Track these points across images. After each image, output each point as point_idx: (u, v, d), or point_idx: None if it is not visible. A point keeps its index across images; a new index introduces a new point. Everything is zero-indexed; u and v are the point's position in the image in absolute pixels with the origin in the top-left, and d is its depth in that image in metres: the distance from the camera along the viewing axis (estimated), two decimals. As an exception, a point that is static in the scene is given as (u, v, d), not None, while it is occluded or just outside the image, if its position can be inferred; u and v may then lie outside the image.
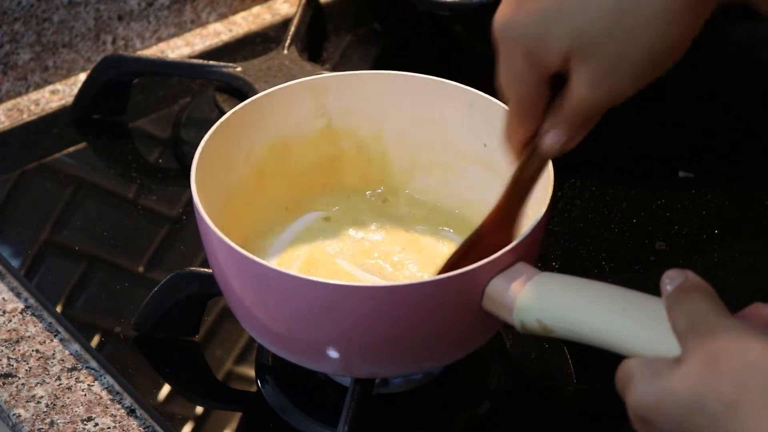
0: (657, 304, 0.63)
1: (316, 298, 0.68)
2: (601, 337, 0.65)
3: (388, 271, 0.79)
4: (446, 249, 0.81)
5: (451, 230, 0.83)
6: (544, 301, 0.68)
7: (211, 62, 1.03)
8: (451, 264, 0.72)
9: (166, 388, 0.81)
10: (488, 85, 0.81)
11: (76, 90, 1.07)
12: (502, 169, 0.80)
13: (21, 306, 0.88)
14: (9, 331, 0.86)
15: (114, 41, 1.13)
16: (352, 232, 0.83)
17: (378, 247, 0.82)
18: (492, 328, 0.75)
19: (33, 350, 0.85)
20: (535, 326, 0.68)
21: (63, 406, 0.80)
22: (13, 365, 0.83)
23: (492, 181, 0.79)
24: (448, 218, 0.84)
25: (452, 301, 0.69)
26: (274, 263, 0.78)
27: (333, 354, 0.71)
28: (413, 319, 0.69)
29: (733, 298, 0.62)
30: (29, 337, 0.86)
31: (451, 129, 0.83)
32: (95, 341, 0.84)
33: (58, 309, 0.87)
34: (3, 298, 0.89)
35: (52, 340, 0.86)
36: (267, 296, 0.70)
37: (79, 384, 0.82)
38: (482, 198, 0.80)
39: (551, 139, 0.68)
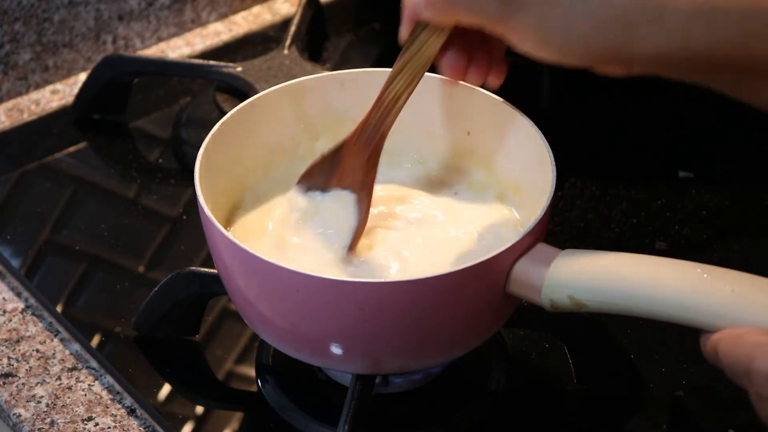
0: (686, 267, 0.65)
1: (342, 295, 0.69)
2: (641, 306, 0.66)
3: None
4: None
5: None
6: (576, 276, 0.68)
7: (211, 62, 1.03)
8: (312, 169, 0.78)
9: (166, 388, 0.81)
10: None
11: (76, 90, 1.07)
12: (487, 153, 0.80)
13: (21, 306, 0.88)
14: (9, 330, 0.86)
15: (114, 41, 1.13)
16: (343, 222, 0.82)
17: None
18: (510, 310, 0.75)
19: (33, 350, 0.85)
20: (567, 303, 0.68)
21: (63, 405, 0.81)
22: (13, 365, 0.83)
23: (478, 165, 0.81)
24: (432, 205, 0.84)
25: (477, 289, 0.70)
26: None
27: (343, 350, 0.72)
28: (439, 310, 0.69)
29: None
30: (29, 336, 0.86)
31: (432, 119, 0.83)
32: (95, 341, 0.84)
33: (59, 309, 0.87)
34: (3, 298, 0.89)
35: (52, 340, 0.86)
36: (282, 295, 0.70)
37: (79, 384, 0.82)
38: (467, 185, 0.82)
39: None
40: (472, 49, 0.73)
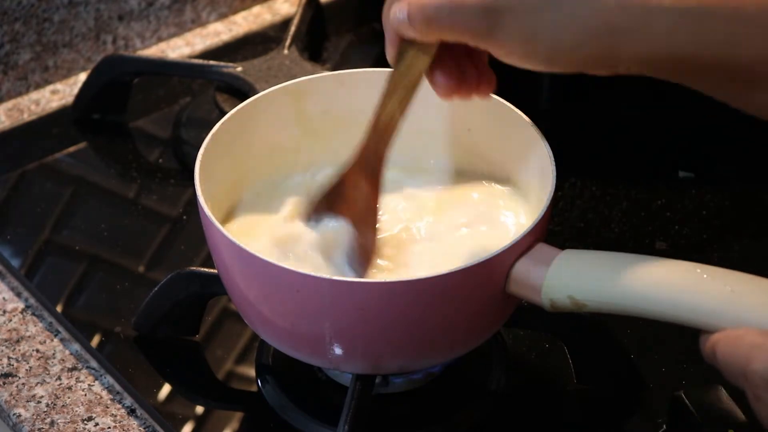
0: (686, 267, 0.65)
1: (342, 295, 0.69)
2: (641, 306, 0.66)
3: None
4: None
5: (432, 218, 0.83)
6: (575, 277, 0.68)
7: (211, 62, 1.03)
8: (317, 203, 0.75)
9: (166, 388, 0.81)
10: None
11: (76, 90, 1.07)
12: (487, 153, 0.80)
13: (21, 306, 0.88)
14: (9, 330, 0.86)
15: (114, 41, 1.13)
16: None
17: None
18: (510, 310, 0.75)
19: (33, 350, 0.85)
20: (567, 303, 0.68)
21: (63, 405, 0.81)
22: (13, 365, 0.83)
23: (478, 165, 0.81)
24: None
25: (477, 289, 0.70)
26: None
27: (343, 350, 0.72)
28: (439, 310, 0.70)
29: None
30: (29, 336, 0.86)
31: (433, 118, 0.83)
32: (95, 341, 0.84)
33: (59, 309, 0.87)
34: (3, 298, 0.89)
35: (52, 340, 0.86)
36: (282, 295, 0.70)
37: (79, 384, 0.82)
38: (468, 183, 0.82)
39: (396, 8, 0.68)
40: (460, 63, 0.72)
